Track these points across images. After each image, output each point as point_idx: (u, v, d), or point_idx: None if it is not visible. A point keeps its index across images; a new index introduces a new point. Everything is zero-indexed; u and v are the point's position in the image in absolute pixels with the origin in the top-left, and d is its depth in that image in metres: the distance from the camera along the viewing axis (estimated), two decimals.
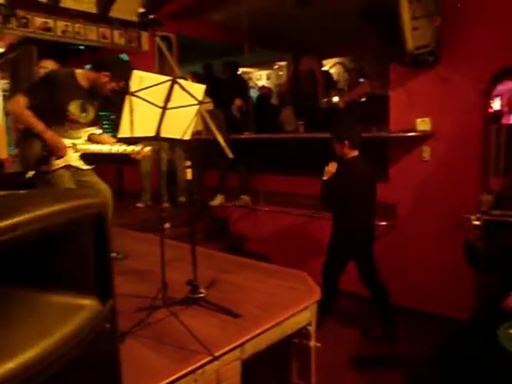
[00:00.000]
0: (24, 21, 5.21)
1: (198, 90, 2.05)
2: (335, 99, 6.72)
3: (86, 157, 3.02)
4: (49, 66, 4.18)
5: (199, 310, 2.35)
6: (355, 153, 3.46)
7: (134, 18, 6.45)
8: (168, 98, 1.92)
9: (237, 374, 2.09)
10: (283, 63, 10.78)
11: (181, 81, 1.94)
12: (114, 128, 8.60)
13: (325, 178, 3.45)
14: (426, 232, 4.03)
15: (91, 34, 6.01)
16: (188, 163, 2.26)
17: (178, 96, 1.96)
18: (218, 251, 3.66)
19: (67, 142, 2.89)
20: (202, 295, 2.41)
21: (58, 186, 2.82)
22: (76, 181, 2.97)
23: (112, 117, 7.95)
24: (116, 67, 2.89)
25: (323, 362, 2.62)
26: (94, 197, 0.84)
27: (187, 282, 2.44)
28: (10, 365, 0.69)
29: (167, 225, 4.85)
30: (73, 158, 2.94)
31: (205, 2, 6.16)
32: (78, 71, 2.93)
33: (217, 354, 1.93)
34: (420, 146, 4.02)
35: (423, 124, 3.94)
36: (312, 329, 2.42)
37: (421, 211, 4.07)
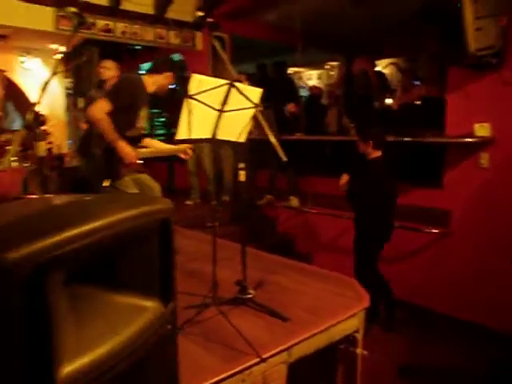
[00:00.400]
0: (88, 24, 5.46)
1: (255, 93, 2.07)
2: (388, 101, 6.56)
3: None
4: (109, 66, 4.36)
5: (247, 310, 2.38)
6: (378, 153, 3.57)
7: (190, 19, 6.61)
8: (225, 101, 1.96)
9: (283, 377, 2.10)
10: (335, 63, 10.65)
11: (238, 84, 1.96)
12: (165, 126, 8.85)
13: (342, 188, 3.69)
14: (482, 242, 3.86)
15: (148, 34, 6.20)
16: (242, 165, 2.28)
17: (235, 99, 1.99)
18: (264, 251, 3.68)
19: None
20: (250, 296, 2.44)
21: (125, 190, 2.97)
22: (132, 178, 3.08)
23: (163, 114, 8.19)
24: (175, 67, 3.00)
25: (370, 370, 2.58)
26: (160, 202, 0.87)
27: (236, 282, 2.47)
28: (85, 360, 0.73)
29: (216, 222, 4.94)
30: (136, 164, 3.02)
31: (259, 3, 6.20)
32: (146, 76, 3.05)
33: (264, 356, 1.95)
34: (478, 152, 3.86)
35: (482, 129, 3.77)
36: (359, 336, 2.39)
37: (478, 220, 3.91)
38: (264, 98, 4.98)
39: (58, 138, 6.24)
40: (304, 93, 9.31)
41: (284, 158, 2.18)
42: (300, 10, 5.98)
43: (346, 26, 6.91)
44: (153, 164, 3.40)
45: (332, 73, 11.03)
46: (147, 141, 3.22)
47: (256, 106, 2.06)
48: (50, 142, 5.86)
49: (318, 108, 6.87)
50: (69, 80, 8.01)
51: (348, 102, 6.61)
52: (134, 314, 0.87)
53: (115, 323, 0.83)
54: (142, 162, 3.15)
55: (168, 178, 6.68)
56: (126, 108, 2.88)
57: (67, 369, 0.70)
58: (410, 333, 3.81)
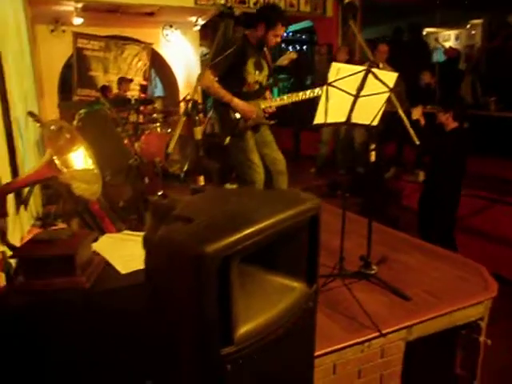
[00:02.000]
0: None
1: (391, 77, 2.09)
2: None
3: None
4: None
5: (369, 285, 2.49)
6: (455, 124, 3.69)
7: None
8: (361, 87, 2.02)
9: (400, 352, 2.20)
10: (478, 21, 9.61)
11: (375, 70, 2.00)
12: (292, 90, 9.00)
13: (414, 118, 3.74)
14: None
15: (279, 3, 6.30)
16: (373, 146, 2.33)
17: (371, 84, 2.03)
18: (385, 224, 3.68)
19: (252, 102, 3.13)
20: (373, 272, 2.53)
21: (246, 151, 3.16)
22: (260, 153, 3.25)
23: (291, 80, 8.32)
24: (266, 15, 3.01)
25: (492, 360, 2.53)
26: (311, 201, 1.02)
27: (360, 257, 2.58)
28: (251, 325, 0.94)
29: (339, 192, 5.03)
30: (260, 117, 3.19)
31: None
32: (247, 32, 3.09)
33: (384, 332, 2.06)
34: None
35: None
36: (484, 324, 2.35)
37: None
38: (398, 66, 4.79)
39: None
40: (440, 56, 8.63)
41: (416, 141, 2.17)
42: None
43: None
44: (279, 130, 3.52)
45: (474, 32, 9.99)
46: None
47: (391, 90, 2.08)
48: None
49: (453, 75, 6.33)
50: (204, 49, 8.57)
51: (489, 68, 6.01)
52: (285, 292, 1.05)
53: (271, 298, 1.02)
54: (272, 122, 3.29)
55: (294, 144, 6.86)
56: (230, 69, 3.00)
57: (240, 331, 0.91)
58: None
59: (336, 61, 5.45)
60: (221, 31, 2.47)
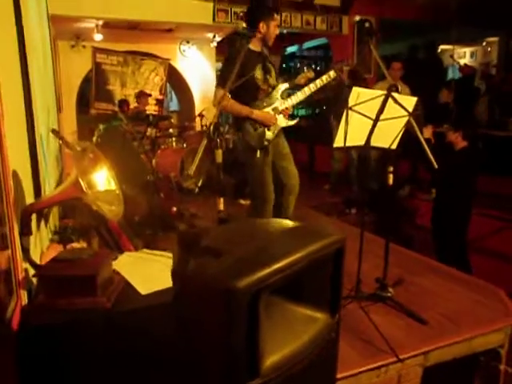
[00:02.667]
0: (241, 14, 5.84)
1: (410, 102, 2.10)
2: None
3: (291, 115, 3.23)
4: None
5: (385, 308, 2.47)
6: (465, 143, 3.73)
7: (336, 3, 6.61)
8: (381, 111, 2.03)
9: (417, 378, 2.17)
10: (494, 39, 9.61)
11: (395, 95, 2.01)
12: (308, 105, 9.00)
13: (425, 137, 3.72)
14: None
15: (296, 21, 6.38)
16: (390, 168, 2.33)
17: (391, 108, 2.04)
18: (399, 243, 3.66)
19: (269, 110, 3.11)
20: (389, 294, 2.52)
21: (259, 167, 3.12)
22: (276, 165, 3.22)
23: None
24: (261, 12, 2.97)
25: None
26: (336, 235, 1.03)
27: (376, 279, 2.57)
28: (276, 357, 0.94)
29: (353, 210, 5.03)
30: (281, 121, 3.16)
31: None
32: (251, 44, 3.01)
33: (401, 357, 2.04)
34: None
35: None
36: (504, 352, 2.31)
37: None
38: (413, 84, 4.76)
39: (210, 119, 6.84)
40: (455, 73, 8.62)
41: (435, 165, 2.17)
42: None
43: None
44: (294, 145, 3.50)
45: (490, 49, 9.99)
46: (300, 78, 3.28)
47: (410, 114, 2.09)
48: (205, 125, 6.49)
49: (469, 93, 6.32)
50: (220, 64, 8.66)
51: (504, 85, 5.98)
52: (309, 323, 1.05)
53: (296, 329, 1.02)
54: (293, 122, 3.23)
55: (309, 160, 6.87)
56: (239, 80, 2.96)
57: (266, 363, 0.91)
58: None
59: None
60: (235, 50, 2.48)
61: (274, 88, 3.17)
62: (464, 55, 10.63)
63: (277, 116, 3.13)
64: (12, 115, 1.70)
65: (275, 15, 3.02)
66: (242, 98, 3.04)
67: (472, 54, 10.65)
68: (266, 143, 3.09)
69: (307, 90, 3.09)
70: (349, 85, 4.94)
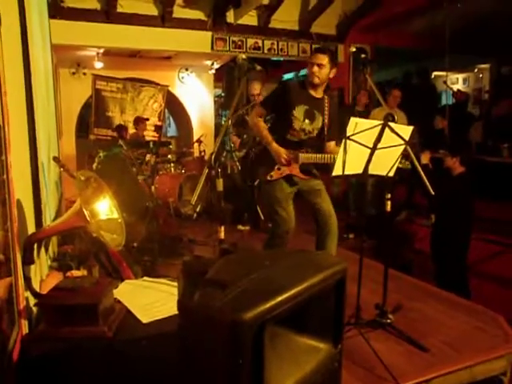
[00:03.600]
0: (239, 43, 5.99)
1: (407, 131, 2.15)
2: None
3: (307, 167, 3.04)
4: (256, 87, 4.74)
5: (385, 334, 2.46)
6: (462, 169, 3.80)
7: (333, 32, 6.78)
8: (378, 140, 2.08)
9: None
10: (485, 66, 9.82)
11: (391, 124, 2.06)
12: None
13: (423, 163, 3.84)
14: None
15: (292, 49, 6.54)
16: (388, 195, 2.37)
17: (388, 137, 2.09)
18: (396, 268, 3.64)
19: (292, 152, 2.97)
20: (389, 321, 2.51)
21: (275, 199, 3.02)
22: (310, 201, 3.11)
23: None
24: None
25: None
26: (338, 264, 1.05)
27: (376, 305, 2.57)
28: None
29: (351, 235, 5.04)
30: (294, 169, 2.99)
31: (402, 14, 6.08)
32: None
33: None
34: None
35: None
36: (506, 379, 2.30)
37: None
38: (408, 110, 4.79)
39: (208, 145, 6.92)
40: (448, 98, 8.78)
41: (432, 192, 2.21)
42: (449, 16, 5.72)
43: (498, 27, 6.38)
44: None
45: (481, 75, 10.19)
46: (332, 146, 3.08)
47: (407, 142, 2.13)
48: (203, 151, 6.55)
49: (462, 118, 6.42)
50: (218, 91, 8.82)
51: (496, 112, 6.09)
52: (312, 353, 1.06)
53: (299, 360, 1.03)
54: (311, 176, 3.07)
55: None
56: (276, 111, 3.03)
57: None
58: None
59: (358, 104, 5.60)
60: (242, 85, 2.54)
61: (309, 136, 3.02)
62: (457, 81, 10.83)
63: (293, 163, 2.99)
64: (17, 144, 1.73)
65: (311, 56, 2.98)
66: (274, 124, 3.07)
67: (465, 80, 10.86)
68: (269, 175, 3.00)
69: (327, 158, 2.91)
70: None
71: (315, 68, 2.87)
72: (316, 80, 2.90)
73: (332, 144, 3.07)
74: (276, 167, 2.99)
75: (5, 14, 1.46)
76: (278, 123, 3.06)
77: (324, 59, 2.87)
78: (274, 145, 2.95)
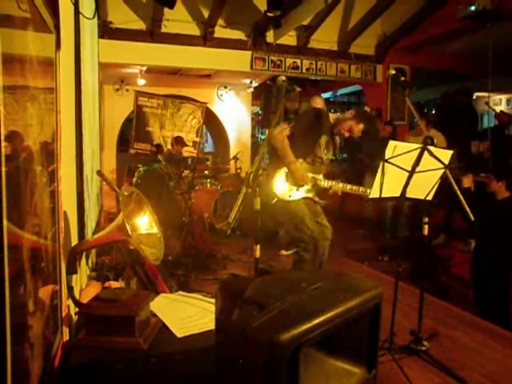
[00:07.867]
0: (278, 62, 6.09)
1: (446, 155, 2.12)
2: None
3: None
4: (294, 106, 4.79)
5: (420, 362, 2.40)
6: (508, 193, 3.74)
7: (371, 53, 6.78)
8: (417, 163, 2.06)
9: None
10: None
11: (431, 148, 2.04)
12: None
13: (465, 186, 3.76)
14: None
15: (331, 69, 6.56)
16: (426, 219, 2.33)
17: (426, 160, 2.07)
18: (431, 293, 3.55)
19: (310, 175, 3.11)
20: (424, 348, 2.45)
21: (295, 213, 3.11)
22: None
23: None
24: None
25: None
26: (374, 289, 1.05)
27: (411, 331, 2.51)
28: None
29: (386, 257, 4.96)
30: (310, 191, 3.16)
31: (442, 35, 6.01)
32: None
33: None
34: None
35: None
36: None
37: None
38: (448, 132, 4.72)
39: (244, 162, 7.01)
40: (490, 119, 8.55)
41: (472, 218, 2.16)
42: (492, 37, 5.61)
43: None
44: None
45: None
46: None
47: (446, 167, 2.11)
48: (239, 168, 6.64)
49: (505, 141, 6.23)
50: (255, 108, 8.93)
51: None
52: (345, 377, 1.06)
53: (332, 383, 1.03)
54: (322, 202, 3.23)
55: (339, 204, 6.85)
56: (305, 135, 3.06)
57: None
58: None
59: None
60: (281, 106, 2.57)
61: (322, 162, 3.20)
62: (500, 102, 10.57)
63: (310, 184, 3.14)
64: (65, 158, 1.83)
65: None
66: (297, 146, 3.06)
67: (508, 101, 10.58)
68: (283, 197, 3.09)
69: (342, 187, 3.09)
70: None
71: (347, 134, 3.13)
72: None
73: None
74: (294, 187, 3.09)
75: (63, 40, 1.56)
76: (302, 146, 3.09)
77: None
78: (298, 166, 3.04)
